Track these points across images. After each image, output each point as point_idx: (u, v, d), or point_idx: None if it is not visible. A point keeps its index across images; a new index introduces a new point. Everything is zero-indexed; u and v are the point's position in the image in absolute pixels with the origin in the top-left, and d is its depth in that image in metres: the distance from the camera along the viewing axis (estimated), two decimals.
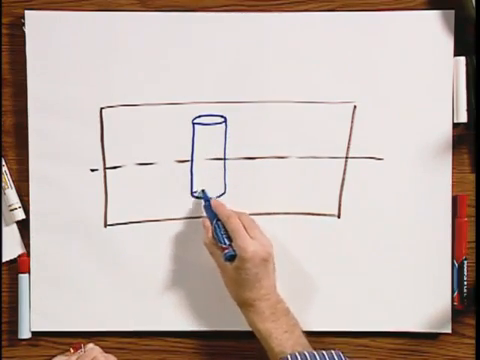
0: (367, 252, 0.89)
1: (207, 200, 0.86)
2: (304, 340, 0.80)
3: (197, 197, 0.89)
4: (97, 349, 0.88)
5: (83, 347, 0.88)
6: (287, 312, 0.82)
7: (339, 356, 0.77)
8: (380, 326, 0.88)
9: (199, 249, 0.88)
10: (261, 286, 0.80)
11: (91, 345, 0.88)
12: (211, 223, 0.84)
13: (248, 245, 0.79)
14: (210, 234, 0.83)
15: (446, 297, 0.88)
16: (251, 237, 0.81)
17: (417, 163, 0.88)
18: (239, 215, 0.83)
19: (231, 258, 0.80)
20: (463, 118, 0.87)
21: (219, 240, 0.82)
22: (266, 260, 0.81)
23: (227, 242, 0.81)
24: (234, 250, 0.80)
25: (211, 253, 0.84)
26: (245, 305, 0.82)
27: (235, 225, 0.81)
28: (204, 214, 0.86)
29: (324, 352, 0.77)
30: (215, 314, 0.89)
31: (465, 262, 0.88)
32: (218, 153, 0.88)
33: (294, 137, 0.88)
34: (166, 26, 0.87)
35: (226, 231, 0.82)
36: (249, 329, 0.89)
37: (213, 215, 0.84)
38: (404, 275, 0.89)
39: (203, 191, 0.88)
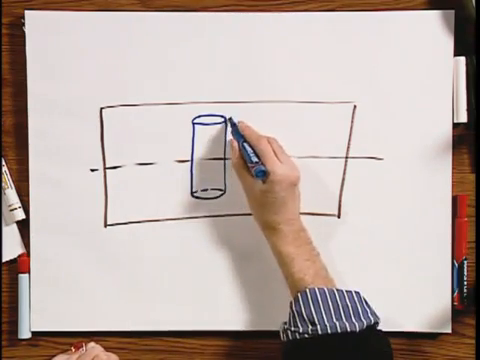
0: (367, 252, 0.89)
1: (234, 124, 0.86)
2: (325, 273, 0.80)
3: (197, 197, 0.89)
4: (98, 348, 0.87)
5: (84, 346, 0.88)
6: (310, 242, 0.82)
7: (358, 295, 0.78)
8: (380, 326, 0.88)
9: (199, 249, 0.89)
10: (287, 210, 0.80)
11: (92, 344, 0.88)
12: (239, 144, 0.83)
13: (277, 168, 0.79)
14: (238, 154, 0.83)
15: (446, 297, 0.88)
16: (280, 161, 0.80)
17: (417, 163, 0.88)
18: (269, 139, 0.83)
19: (262, 174, 0.79)
20: (463, 118, 0.87)
21: (248, 159, 0.81)
22: (294, 184, 0.80)
23: (256, 160, 0.80)
24: (265, 166, 0.79)
25: (238, 175, 0.84)
26: (269, 228, 0.81)
27: (265, 147, 0.81)
28: (230, 136, 0.86)
29: (344, 290, 0.77)
30: (215, 314, 0.89)
31: (465, 262, 0.88)
32: (218, 153, 0.88)
33: (294, 137, 0.88)
34: (166, 26, 0.87)
35: (254, 151, 0.81)
36: (250, 329, 0.89)
37: (240, 137, 0.84)
38: (404, 275, 0.89)
39: (230, 119, 0.87)
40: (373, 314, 0.77)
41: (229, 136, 0.88)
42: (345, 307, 0.76)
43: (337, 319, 0.75)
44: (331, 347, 0.75)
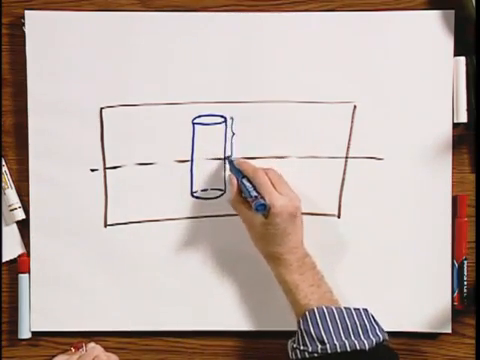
0: (367, 252, 0.89)
1: (231, 161, 0.86)
2: (330, 295, 0.80)
3: (197, 197, 0.89)
4: (98, 348, 0.87)
5: (84, 346, 0.88)
6: (314, 266, 0.82)
7: (366, 313, 0.78)
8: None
9: (199, 249, 0.89)
10: (289, 240, 0.80)
11: (92, 344, 0.88)
12: (238, 181, 0.83)
13: (276, 200, 0.79)
14: (236, 191, 0.83)
15: (446, 297, 0.88)
16: (279, 192, 0.80)
17: (417, 163, 0.88)
18: (266, 171, 0.83)
19: (262, 208, 0.78)
20: (463, 118, 0.87)
21: (248, 194, 0.80)
22: (294, 215, 0.80)
23: (255, 194, 0.79)
24: (264, 200, 0.79)
25: (237, 211, 0.84)
26: (273, 259, 0.82)
27: (262, 180, 0.81)
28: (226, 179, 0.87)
29: (352, 308, 0.77)
30: (215, 314, 0.89)
31: (465, 262, 0.88)
32: (218, 153, 0.88)
33: (294, 137, 0.88)
34: (166, 26, 0.87)
35: (254, 186, 0.81)
36: (250, 329, 0.89)
37: (238, 173, 0.84)
38: (404, 275, 0.89)
39: (228, 157, 0.87)
40: (381, 331, 0.77)
41: (229, 136, 0.88)
42: (353, 325, 0.76)
43: (346, 337, 0.75)
44: None
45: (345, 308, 0.77)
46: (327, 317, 0.76)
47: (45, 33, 0.87)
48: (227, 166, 0.88)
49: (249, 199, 0.80)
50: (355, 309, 0.78)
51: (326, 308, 0.77)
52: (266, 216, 0.79)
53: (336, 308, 0.77)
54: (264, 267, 0.87)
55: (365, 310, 0.78)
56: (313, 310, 0.77)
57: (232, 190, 0.83)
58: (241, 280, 0.89)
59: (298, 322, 0.78)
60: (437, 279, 0.88)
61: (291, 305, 0.81)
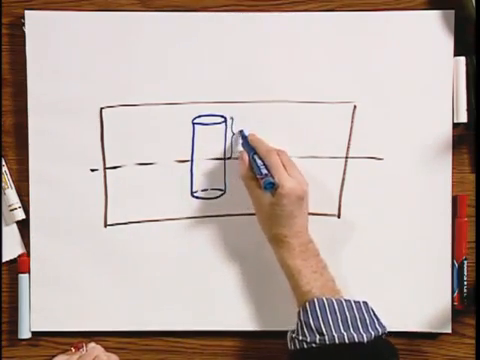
0: (367, 252, 0.89)
1: (244, 137, 0.86)
2: (333, 284, 0.80)
3: (197, 197, 0.89)
4: (99, 348, 0.87)
5: (85, 346, 0.88)
6: (317, 253, 0.82)
7: (366, 306, 0.78)
8: None
9: (199, 249, 0.89)
10: (294, 223, 0.80)
11: (93, 344, 0.88)
12: (248, 156, 0.83)
13: (286, 181, 0.79)
14: (246, 166, 0.83)
15: (446, 297, 0.88)
16: (289, 174, 0.80)
17: (417, 163, 0.88)
18: (278, 152, 0.83)
19: (271, 186, 0.79)
20: (463, 118, 0.87)
21: (258, 172, 0.81)
22: (302, 198, 0.80)
23: (265, 172, 0.80)
24: (274, 178, 0.79)
25: (247, 186, 0.84)
26: (276, 241, 0.82)
27: (274, 160, 0.81)
28: (240, 149, 0.87)
29: (352, 301, 0.77)
30: (215, 314, 0.89)
31: (465, 262, 0.88)
32: (218, 153, 0.88)
33: (294, 137, 0.88)
34: (166, 26, 0.87)
35: (264, 164, 0.81)
36: (250, 329, 0.89)
37: (250, 149, 0.84)
38: (404, 275, 0.89)
39: (241, 131, 0.87)
40: (381, 325, 0.77)
41: (229, 135, 0.88)
42: (353, 318, 0.76)
43: (345, 330, 0.75)
44: (339, 357, 0.75)
45: (345, 300, 0.77)
46: (327, 309, 0.76)
47: (45, 33, 0.87)
48: (227, 166, 0.88)
49: (259, 176, 0.80)
50: (355, 302, 0.78)
51: (326, 299, 0.77)
52: (274, 196, 0.79)
53: (336, 300, 0.77)
54: (264, 267, 0.87)
55: (365, 303, 0.78)
56: (313, 301, 0.77)
57: (243, 165, 0.83)
58: (241, 280, 0.89)
59: (298, 313, 0.78)
60: (437, 279, 0.88)
61: (293, 291, 0.81)
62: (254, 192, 0.82)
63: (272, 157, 0.81)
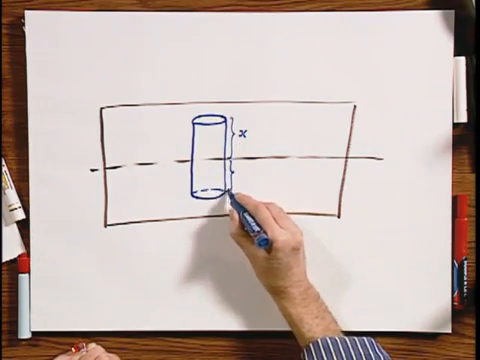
0: (367, 252, 0.89)
1: (232, 196, 0.86)
2: (335, 326, 0.80)
3: (197, 197, 0.89)
4: (100, 349, 0.88)
5: (85, 346, 0.88)
6: (317, 297, 0.82)
7: (371, 343, 0.77)
8: (380, 326, 0.88)
9: (199, 249, 0.89)
10: (292, 274, 0.80)
11: (93, 345, 0.88)
12: (238, 215, 0.83)
13: (279, 235, 0.79)
14: (237, 224, 0.83)
15: (446, 297, 0.88)
16: (281, 227, 0.80)
17: (417, 163, 0.88)
18: (267, 205, 0.83)
19: (265, 243, 0.78)
20: (463, 118, 0.87)
21: (250, 229, 0.81)
22: (297, 249, 0.80)
23: (258, 229, 0.80)
24: (267, 234, 0.79)
25: (239, 244, 0.83)
26: (276, 292, 0.82)
27: (264, 215, 0.81)
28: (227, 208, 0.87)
29: (356, 339, 0.77)
30: (215, 314, 0.89)
31: (465, 262, 0.88)
32: (218, 153, 0.88)
33: (294, 137, 0.88)
34: (166, 26, 0.87)
35: (255, 220, 0.81)
36: (249, 329, 0.89)
37: (240, 207, 0.84)
38: (404, 275, 0.89)
39: (229, 190, 0.88)
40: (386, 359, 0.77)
41: (229, 135, 0.88)
42: (358, 356, 0.76)
43: None
44: None
45: (349, 338, 0.77)
46: (331, 348, 0.76)
47: (45, 33, 0.87)
48: (227, 167, 0.88)
49: (251, 234, 0.80)
50: (359, 339, 0.77)
51: (330, 339, 0.77)
52: (269, 251, 0.79)
53: (340, 338, 0.77)
54: None
55: (369, 340, 0.78)
56: (317, 342, 0.77)
57: (233, 224, 0.83)
58: (241, 280, 0.89)
59: (302, 354, 0.79)
60: (437, 279, 0.88)
61: (296, 337, 0.81)
62: (248, 249, 0.82)
63: (262, 212, 0.81)
